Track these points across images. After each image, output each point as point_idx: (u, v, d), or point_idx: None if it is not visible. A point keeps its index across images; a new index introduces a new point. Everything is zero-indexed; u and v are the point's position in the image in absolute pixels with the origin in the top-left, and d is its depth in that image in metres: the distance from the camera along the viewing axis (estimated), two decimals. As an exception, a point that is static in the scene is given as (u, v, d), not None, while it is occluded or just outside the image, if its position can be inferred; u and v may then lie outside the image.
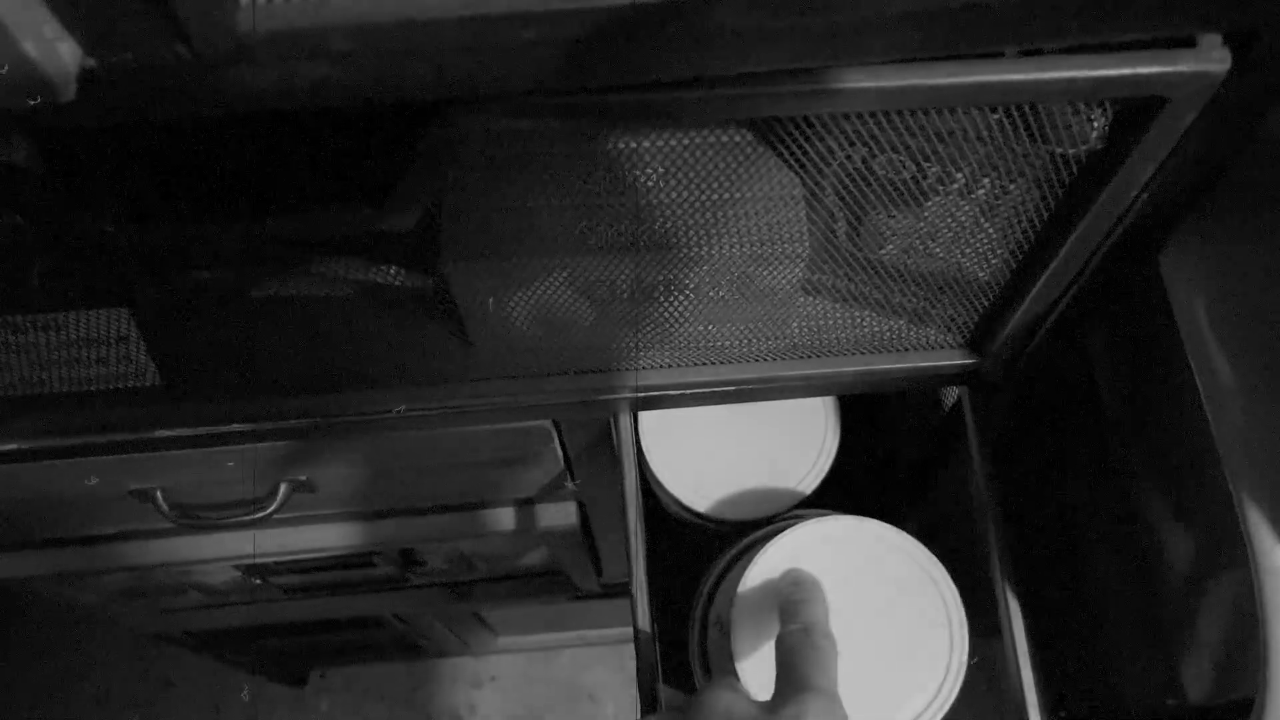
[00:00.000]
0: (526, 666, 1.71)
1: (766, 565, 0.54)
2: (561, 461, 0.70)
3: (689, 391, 0.56)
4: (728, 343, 0.53)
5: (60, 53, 0.26)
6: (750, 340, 0.53)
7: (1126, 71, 0.34)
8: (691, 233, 0.45)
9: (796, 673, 0.43)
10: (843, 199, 0.44)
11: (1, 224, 0.44)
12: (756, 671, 0.53)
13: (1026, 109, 0.38)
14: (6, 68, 0.25)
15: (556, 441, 0.66)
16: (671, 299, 0.48)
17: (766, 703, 0.41)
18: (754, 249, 0.45)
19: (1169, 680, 0.55)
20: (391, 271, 0.49)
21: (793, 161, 0.42)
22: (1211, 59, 0.34)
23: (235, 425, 0.55)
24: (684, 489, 0.64)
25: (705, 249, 0.45)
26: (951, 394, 0.66)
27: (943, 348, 0.54)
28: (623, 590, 0.55)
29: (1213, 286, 0.46)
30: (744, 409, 0.64)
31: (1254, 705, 0.44)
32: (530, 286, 0.47)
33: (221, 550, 0.81)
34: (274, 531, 0.80)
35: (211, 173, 0.46)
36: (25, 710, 1.67)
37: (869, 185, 0.43)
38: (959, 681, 0.53)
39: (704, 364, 0.54)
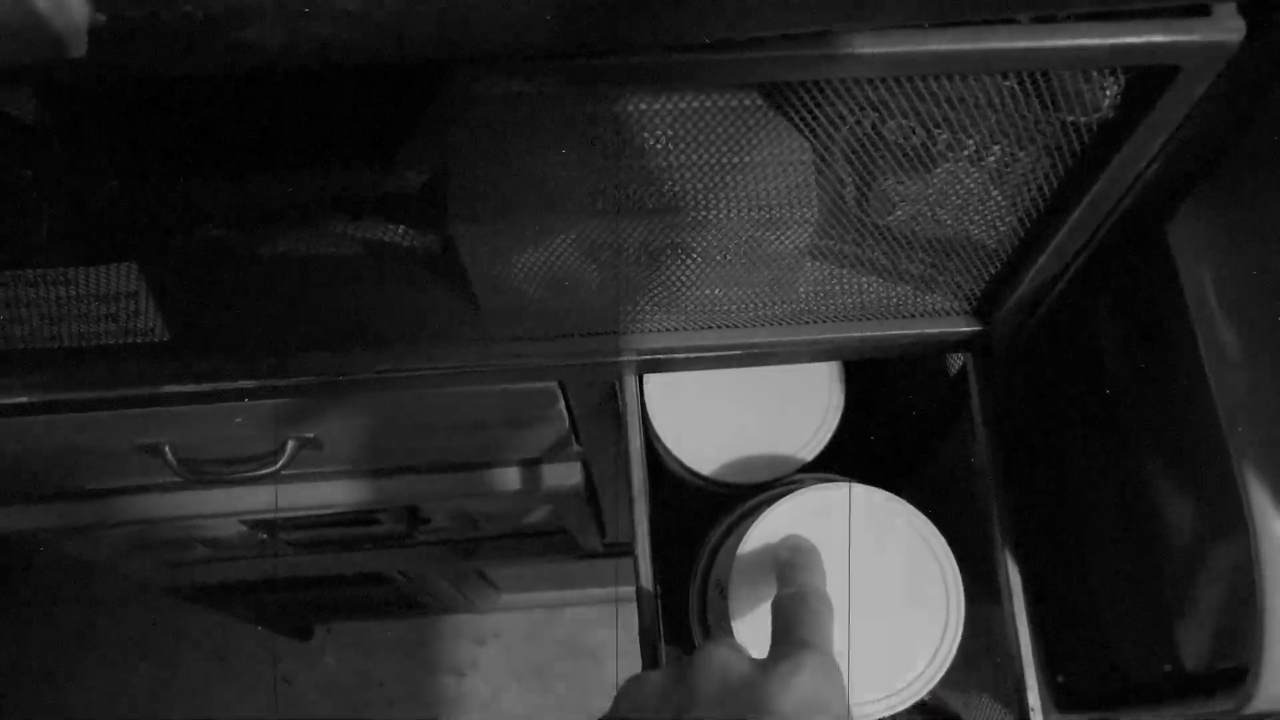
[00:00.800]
0: (529, 624, 1.72)
1: (766, 530, 0.54)
2: (567, 423, 0.71)
3: (695, 355, 0.56)
4: (734, 307, 0.53)
5: (71, 9, 0.26)
6: (757, 304, 0.53)
7: (1140, 39, 0.34)
8: (700, 196, 0.45)
9: (791, 632, 0.43)
10: (852, 164, 0.44)
11: (11, 179, 0.44)
12: (753, 633, 0.53)
13: (1038, 76, 0.37)
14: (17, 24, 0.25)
15: (562, 403, 0.67)
16: (678, 262, 0.48)
17: (762, 660, 0.42)
18: (762, 213, 0.45)
19: (1166, 648, 0.55)
20: (399, 232, 0.49)
21: (802, 126, 0.42)
22: (1226, 28, 0.34)
23: (243, 382, 0.55)
24: (688, 452, 0.64)
25: (713, 212, 0.45)
26: (956, 362, 0.67)
27: (949, 314, 0.54)
28: (626, 550, 0.56)
29: (1220, 256, 0.46)
30: (749, 374, 0.65)
31: (1248, 673, 0.44)
32: (537, 249, 0.47)
33: (229, 506, 0.82)
34: (282, 488, 0.81)
35: (219, 130, 0.46)
36: (35, 660, 1.69)
37: (878, 150, 0.42)
38: (954, 648, 0.53)
39: (710, 328, 0.54)
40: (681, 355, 0.56)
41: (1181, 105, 0.37)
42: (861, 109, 0.40)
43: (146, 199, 0.47)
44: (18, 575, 1.70)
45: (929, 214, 0.46)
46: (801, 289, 0.52)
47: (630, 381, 0.60)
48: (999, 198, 0.44)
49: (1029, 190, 0.43)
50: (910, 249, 0.49)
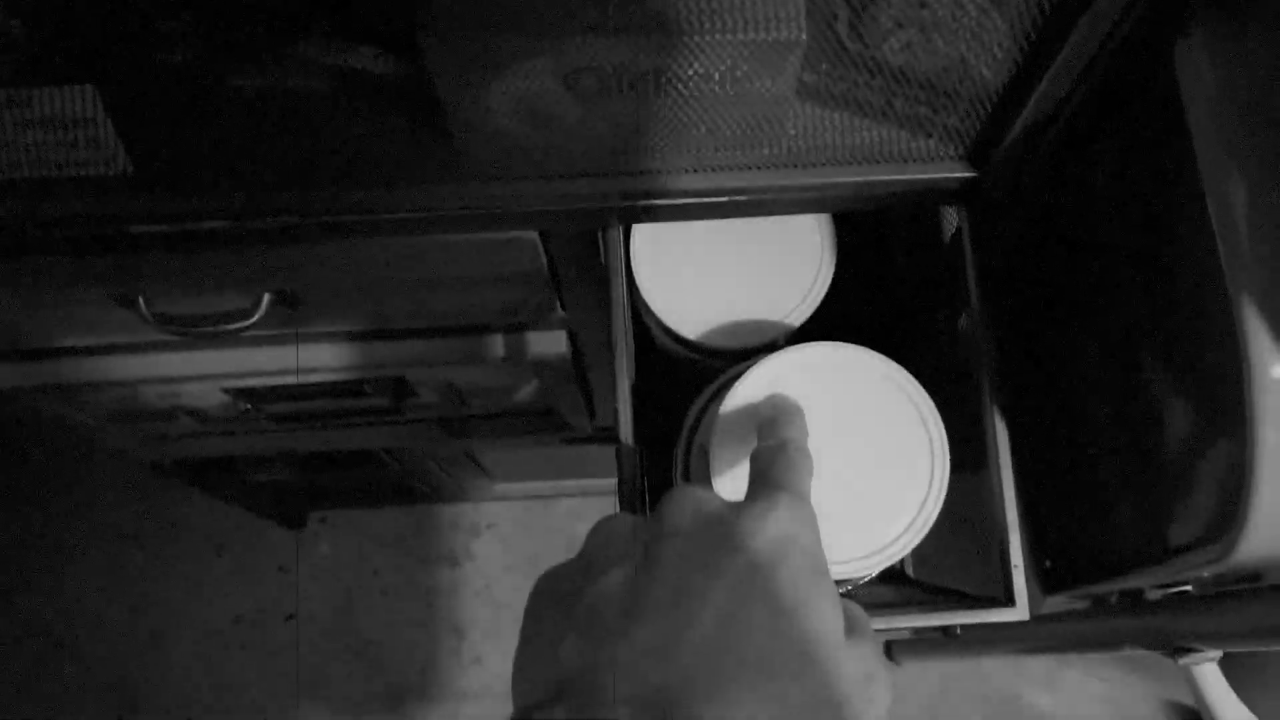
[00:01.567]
0: (524, 515, 1.73)
1: (749, 390, 0.53)
2: (548, 278, 0.69)
3: (680, 201, 0.54)
4: (721, 148, 0.51)
5: None
6: (745, 146, 0.51)
7: None
8: (684, 14, 0.42)
9: (768, 477, 0.42)
10: (844, -17, 0.42)
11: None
12: (734, 489, 0.53)
13: None
14: None
15: (544, 258, 0.65)
16: (662, 91, 0.46)
17: (736, 501, 0.41)
18: (750, 35, 0.43)
19: (1157, 527, 0.54)
20: (369, 56, 0.47)
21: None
22: None
23: (212, 222, 0.53)
24: (673, 315, 0.62)
25: (699, 35, 0.43)
26: (951, 226, 0.65)
27: (942, 159, 0.52)
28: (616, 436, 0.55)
29: (1229, 84, 0.43)
30: (737, 237, 0.63)
31: (1235, 516, 0.43)
32: (514, 71, 0.44)
33: (210, 368, 0.81)
34: (263, 351, 0.80)
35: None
36: (34, 538, 1.71)
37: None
38: (937, 509, 0.52)
39: (695, 170, 0.52)
40: (666, 201, 0.54)
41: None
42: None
43: (101, 13, 0.45)
44: (14, 456, 1.71)
45: (923, 41, 0.44)
46: (790, 128, 0.50)
47: (614, 233, 0.59)
48: (996, 18, 0.42)
49: (1028, 9, 0.41)
50: (903, 84, 0.47)
